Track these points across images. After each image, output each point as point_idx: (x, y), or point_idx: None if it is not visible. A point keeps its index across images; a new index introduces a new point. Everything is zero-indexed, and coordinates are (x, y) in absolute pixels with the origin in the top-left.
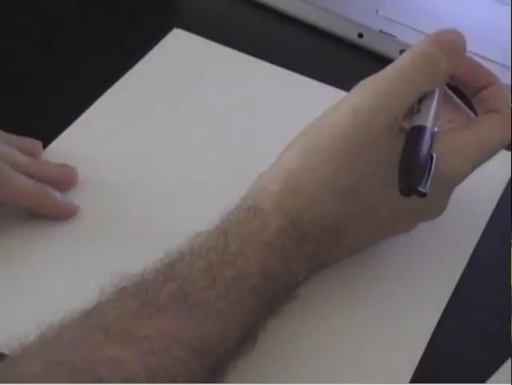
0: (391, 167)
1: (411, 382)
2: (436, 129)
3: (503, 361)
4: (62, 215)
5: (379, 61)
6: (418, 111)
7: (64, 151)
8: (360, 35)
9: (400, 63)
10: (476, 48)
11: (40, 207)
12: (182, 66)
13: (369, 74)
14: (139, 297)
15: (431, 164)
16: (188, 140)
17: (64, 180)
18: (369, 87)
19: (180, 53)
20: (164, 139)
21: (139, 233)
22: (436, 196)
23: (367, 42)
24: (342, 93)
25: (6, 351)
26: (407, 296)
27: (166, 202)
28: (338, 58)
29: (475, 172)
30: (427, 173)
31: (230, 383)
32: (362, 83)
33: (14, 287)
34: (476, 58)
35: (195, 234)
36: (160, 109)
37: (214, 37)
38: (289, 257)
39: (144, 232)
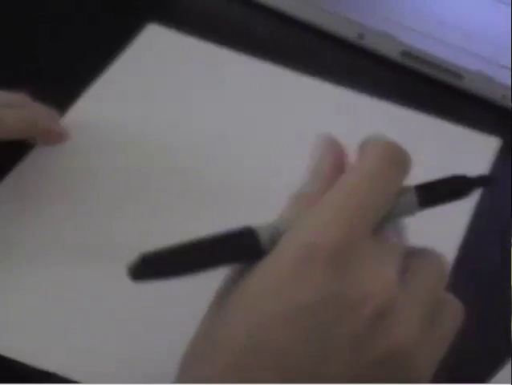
0: None
1: None
2: None
3: (503, 361)
4: (53, 140)
5: (380, 61)
6: None
7: (41, 162)
8: (361, 35)
9: None
10: (476, 48)
11: (32, 135)
12: (161, 63)
13: (369, 74)
14: None
15: None
16: (180, 137)
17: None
18: None
19: (157, 49)
20: (150, 137)
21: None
22: None
23: (368, 42)
24: (339, 90)
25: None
26: None
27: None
28: (338, 58)
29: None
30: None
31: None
32: None
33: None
34: (476, 58)
35: None
36: (143, 108)
37: (211, 38)
38: None
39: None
